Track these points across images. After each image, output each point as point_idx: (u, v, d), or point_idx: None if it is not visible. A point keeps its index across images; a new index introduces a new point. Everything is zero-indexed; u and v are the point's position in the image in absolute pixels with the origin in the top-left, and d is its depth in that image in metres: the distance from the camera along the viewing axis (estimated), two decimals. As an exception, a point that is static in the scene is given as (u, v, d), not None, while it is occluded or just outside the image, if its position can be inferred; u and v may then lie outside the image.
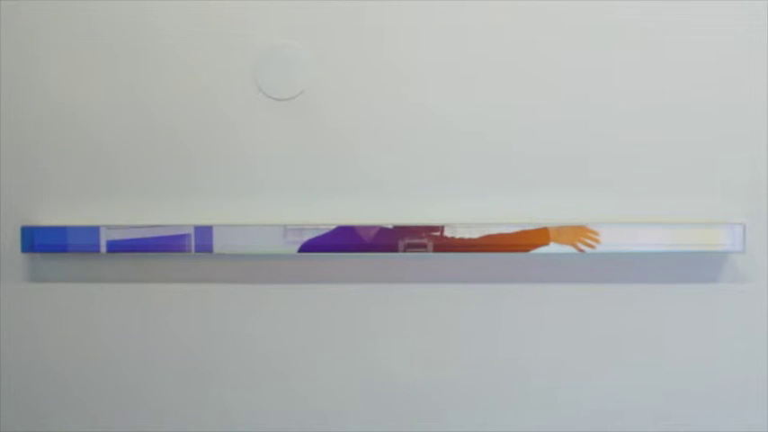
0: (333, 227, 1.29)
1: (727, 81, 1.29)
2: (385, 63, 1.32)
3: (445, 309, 1.33)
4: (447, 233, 1.27)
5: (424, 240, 1.28)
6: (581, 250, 1.26)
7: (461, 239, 1.27)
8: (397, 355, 1.34)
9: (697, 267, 1.30)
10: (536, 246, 1.27)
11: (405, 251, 1.28)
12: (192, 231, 1.31)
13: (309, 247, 1.29)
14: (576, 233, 1.26)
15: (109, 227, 1.32)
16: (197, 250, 1.31)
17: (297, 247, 1.29)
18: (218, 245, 1.31)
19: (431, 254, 1.29)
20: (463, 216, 1.31)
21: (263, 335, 1.35)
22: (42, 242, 1.33)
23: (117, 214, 1.36)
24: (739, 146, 1.29)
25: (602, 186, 1.30)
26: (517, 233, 1.27)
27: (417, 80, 1.32)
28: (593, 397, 1.32)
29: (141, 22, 1.35)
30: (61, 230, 1.33)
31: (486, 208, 1.31)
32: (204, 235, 1.31)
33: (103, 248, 1.32)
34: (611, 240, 1.26)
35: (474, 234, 1.27)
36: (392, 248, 1.28)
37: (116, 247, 1.32)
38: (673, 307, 1.30)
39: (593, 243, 1.26)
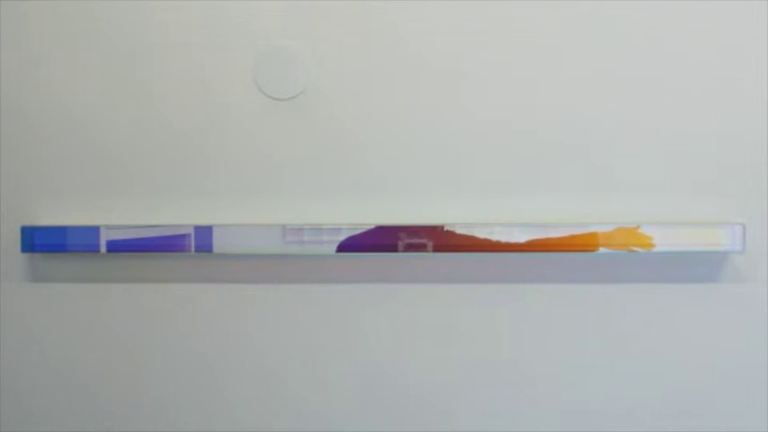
0: (371, 226, 1.29)
1: (727, 81, 1.29)
2: (385, 63, 1.32)
3: (445, 309, 1.33)
4: (490, 236, 1.26)
5: (424, 240, 1.28)
6: (634, 251, 1.25)
7: (507, 243, 1.26)
8: (397, 356, 1.34)
9: (697, 267, 1.30)
10: (584, 250, 1.26)
11: (405, 251, 1.28)
12: (191, 231, 1.31)
13: (346, 246, 1.28)
14: (628, 236, 1.25)
15: (109, 227, 1.32)
16: (197, 250, 1.31)
17: (334, 247, 1.29)
18: (218, 245, 1.31)
19: (431, 254, 1.29)
20: (463, 216, 1.31)
21: (263, 335, 1.35)
22: (42, 242, 1.33)
23: (117, 214, 1.36)
24: (739, 146, 1.29)
25: (601, 186, 1.30)
26: (565, 237, 1.26)
27: (418, 80, 1.32)
28: (592, 397, 1.32)
29: (141, 21, 1.35)
30: (61, 230, 1.33)
31: (485, 208, 1.31)
32: (204, 235, 1.31)
33: (103, 248, 1.32)
34: (665, 242, 1.25)
35: (521, 238, 1.27)
36: (392, 248, 1.28)
37: (116, 247, 1.32)
38: (672, 307, 1.30)
39: (646, 246, 1.25)
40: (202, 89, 1.35)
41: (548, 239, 1.26)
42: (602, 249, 1.26)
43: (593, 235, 1.26)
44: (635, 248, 1.25)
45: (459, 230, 1.27)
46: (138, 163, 1.36)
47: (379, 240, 1.28)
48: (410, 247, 1.28)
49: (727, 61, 1.28)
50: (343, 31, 1.33)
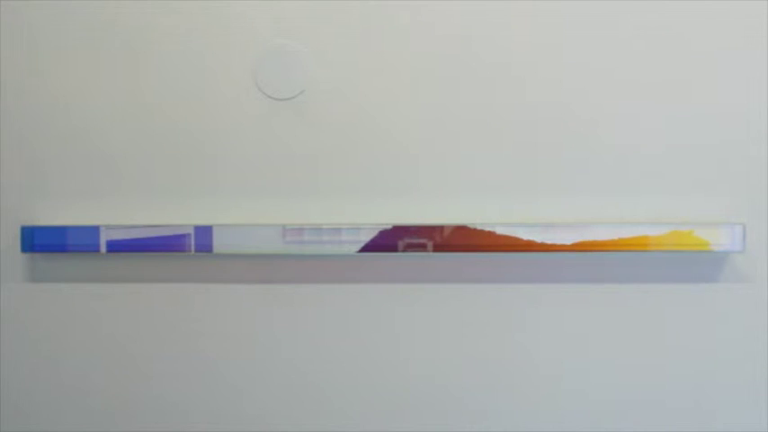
0: (372, 227, 1.29)
1: (727, 81, 1.29)
2: (385, 63, 1.32)
3: (445, 309, 1.33)
4: (536, 238, 1.26)
5: (424, 240, 1.28)
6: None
7: (552, 245, 1.26)
8: (397, 356, 1.34)
9: (697, 267, 1.30)
10: (634, 249, 1.26)
11: (405, 251, 1.28)
12: (191, 231, 1.31)
13: (371, 247, 1.28)
14: (679, 238, 1.25)
15: (109, 227, 1.32)
16: (197, 250, 1.31)
17: (334, 247, 1.29)
18: (218, 245, 1.31)
19: (431, 254, 1.29)
20: (463, 216, 1.31)
21: (263, 335, 1.35)
22: (42, 242, 1.33)
23: (117, 214, 1.36)
24: (739, 146, 1.29)
25: (602, 186, 1.30)
26: (613, 241, 1.26)
27: (418, 79, 1.32)
28: (591, 397, 1.32)
29: (141, 21, 1.35)
30: (61, 230, 1.33)
31: (484, 208, 1.31)
32: (204, 235, 1.31)
33: (103, 248, 1.32)
34: (722, 242, 1.25)
35: (567, 240, 1.26)
36: (392, 248, 1.28)
37: (116, 247, 1.32)
38: (672, 307, 1.30)
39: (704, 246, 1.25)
40: (202, 89, 1.35)
41: (593, 241, 1.26)
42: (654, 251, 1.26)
43: (643, 237, 1.26)
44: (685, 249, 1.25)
45: (499, 231, 1.27)
46: (138, 163, 1.36)
47: (380, 240, 1.28)
48: (410, 247, 1.28)
49: (728, 61, 1.28)
50: (343, 30, 1.33)
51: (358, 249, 1.29)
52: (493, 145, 1.31)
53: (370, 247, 1.29)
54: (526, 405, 1.33)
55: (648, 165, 1.30)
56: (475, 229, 1.27)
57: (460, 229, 1.27)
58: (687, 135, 1.29)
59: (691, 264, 1.30)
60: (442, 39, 1.32)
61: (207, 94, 1.35)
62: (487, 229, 1.27)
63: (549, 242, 1.26)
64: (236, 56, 1.34)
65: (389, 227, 1.28)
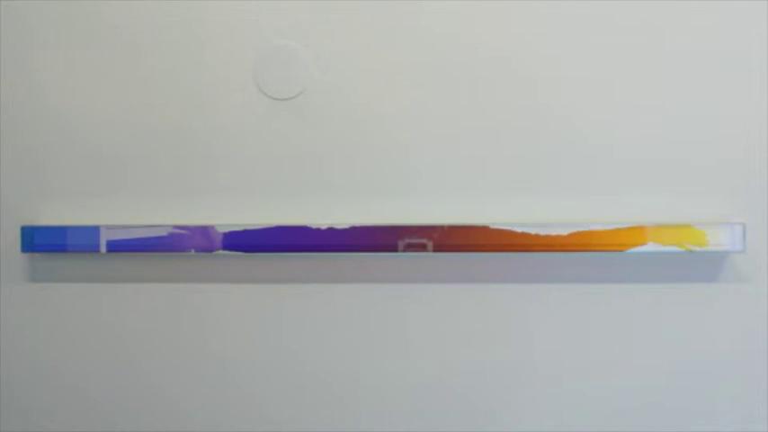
0: (371, 226, 1.28)
1: (726, 80, 1.29)
2: (385, 62, 1.32)
3: (445, 309, 1.33)
4: (531, 231, 1.26)
5: (424, 240, 1.28)
6: (690, 249, 1.25)
7: (548, 237, 1.26)
8: (397, 356, 1.34)
9: (697, 267, 1.30)
10: (632, 246, 1.25)
11: (405, 251, 1.28)
12: (191, 231, 1.31)
13: (346, 246, 1.28)
14: (679, 237, 1.25)
15: (109, 227, 1.32)
16: (197, 250, 1.31)
17: (333, 246, 1.29)
18: (218, 245, 1.31)
19: (431, 254, 1.29)
20: (462, 216, 1.31)
21: (263, 335, 1.35)
22: (42, 242, 1.33)
23: (117, 214, 1.36)
24: (739, 146, 1.29)
25: (602, 186, 1.30)
26: (609, 231, 1.26)
27: (417, 80, 1.32)
28: (592, 397, 1.32)
29: (141, 21, 1.35)
30: (61, 230, 1.33)
31: (484, 208, 1.32)
32: (204, 235, 1.31)
33: (103, 248, 1.32)
34: (722, 242, 1.25)
35: (563, 232, 1.26)
36: (392, 248, 1.28)
37: (116, 247, 1.32)
38: (672, 307, 1.30)
39: (698, 244, 1.25)
40: (202, 89, 1.35)
41: (590, 232, 1.26)
42: (650, 243, 1.25)
43: (640, 230, 1.26)
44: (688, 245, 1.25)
45: (499, 231, 1.27)
46: (138, 163, 1.36)
47: (380, 240, 1.28)
48: (410, 247, 1.28)
49: (728, 60, 1.28)
50: (343, 30, 1.33)
51: (358, 249, 1.29)
52: (494, 145, 1.31)
53: (369, 247, 1.28)
54: (526, 404, 1.33)
55: (648, 164, 1.30)
56: (475, 229, 1.27)
57: (460, 229, 1.28)
58: (687, 135, 1.29)
59: (691, 263, 1.30)
60: (442, 39, 1.31)
61: (207, 94, 1.35)
62: (487, 228, 1.27)
63: (543, 234, 1.26)
64: (236, 56, 1.34)
65: (389, 227, 1.28)
